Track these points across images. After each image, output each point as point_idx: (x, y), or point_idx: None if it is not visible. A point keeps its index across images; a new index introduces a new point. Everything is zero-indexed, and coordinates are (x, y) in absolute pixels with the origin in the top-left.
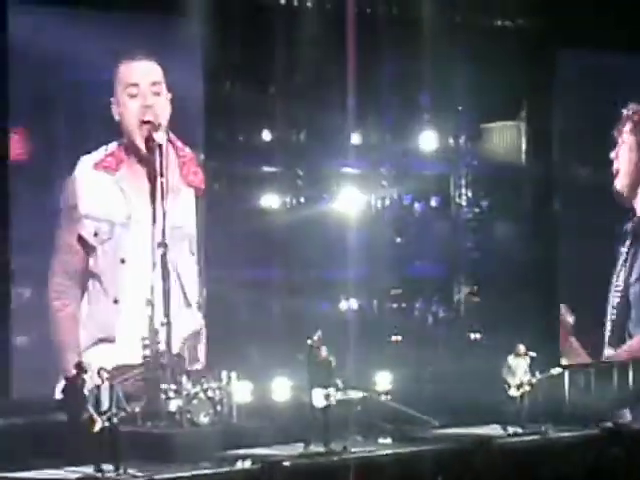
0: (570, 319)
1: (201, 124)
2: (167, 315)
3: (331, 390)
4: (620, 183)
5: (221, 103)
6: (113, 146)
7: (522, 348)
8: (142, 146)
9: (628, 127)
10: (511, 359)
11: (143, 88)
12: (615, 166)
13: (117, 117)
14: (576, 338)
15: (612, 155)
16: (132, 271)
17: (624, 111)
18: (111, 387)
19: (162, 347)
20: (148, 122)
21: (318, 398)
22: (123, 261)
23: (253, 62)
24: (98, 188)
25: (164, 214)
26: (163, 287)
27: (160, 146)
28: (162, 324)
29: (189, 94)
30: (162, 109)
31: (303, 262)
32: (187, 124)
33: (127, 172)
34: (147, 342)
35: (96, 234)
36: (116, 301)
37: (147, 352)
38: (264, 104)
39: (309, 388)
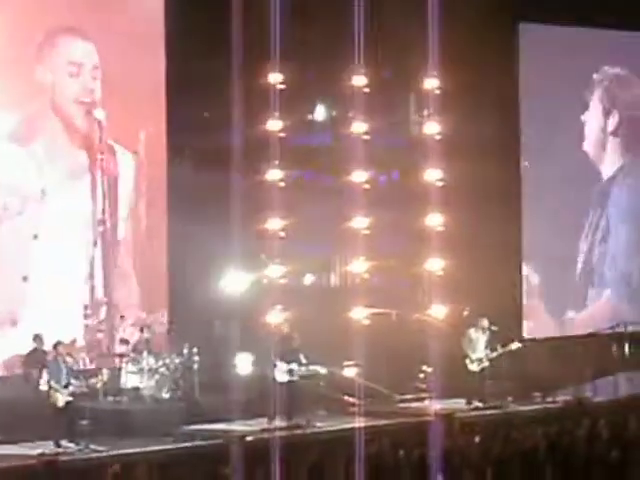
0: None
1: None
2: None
3: (294, 365)
4: (587, 146)
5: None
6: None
7: (485, 322)
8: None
9: (598, 92)
10: (472, 332)
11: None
12: (585, 130)
13: None
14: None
15: (582, 118)
16: (45, 248)
17: (595, 75)
18: (67, 361)
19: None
20: None
21: (281, 373)
22: (36, 237)
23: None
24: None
25: (104, 193)
26: (103, 263)
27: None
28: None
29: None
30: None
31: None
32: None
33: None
34: (89, 312)
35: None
36: (25, 278)
37: (88, 322)
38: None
39: (272, 363)
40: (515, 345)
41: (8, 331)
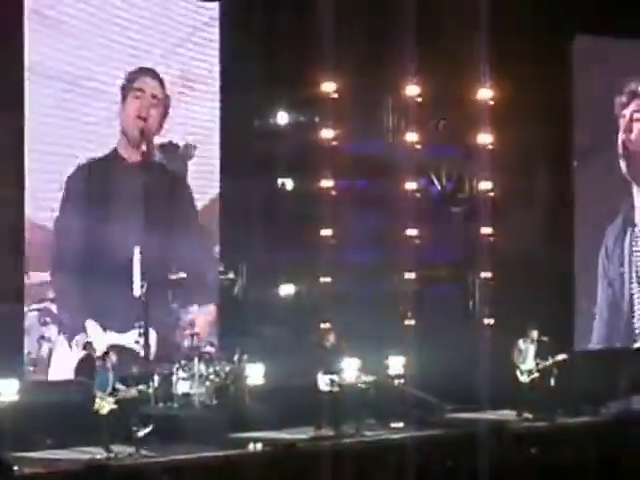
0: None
1: None
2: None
3: (335, 375)
4: (625, 166)
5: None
6: None
7: (534, 333)
8: None
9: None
10: (521, 343)
11: None
12: (622, 149)
13: None
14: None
15: (621, 137)
16: None
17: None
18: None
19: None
20: None
21: (323, 382)
22: None
23: None
24: None
25: None
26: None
27: None
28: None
29: None
30: None
31: (312, 245)
32: None
33: None
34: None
35: None
36: None
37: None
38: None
39: (316, 372)
40: (562, 356)
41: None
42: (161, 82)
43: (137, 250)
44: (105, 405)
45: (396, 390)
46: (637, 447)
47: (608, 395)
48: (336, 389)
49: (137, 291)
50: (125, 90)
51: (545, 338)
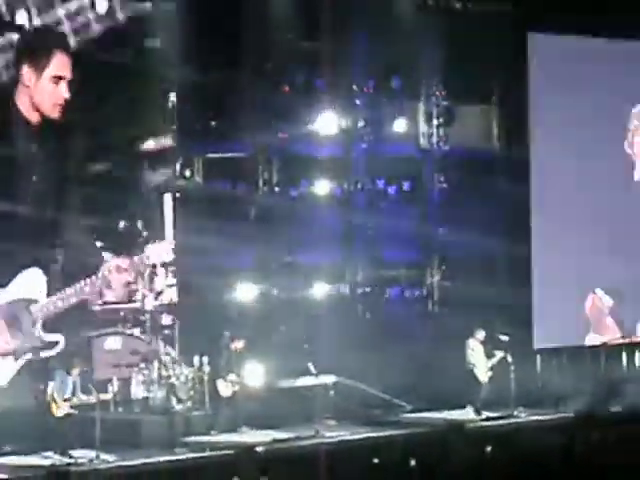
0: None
1: None
2: None
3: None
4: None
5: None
6: None
7: (481, 333)
8: None
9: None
10: (472, 342)
11: None
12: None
13: None
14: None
15: (626, 146)
16: None
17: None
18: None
19: None
20: None
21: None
22: None
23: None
24: None
25: None
26: None
27: None
28: None
29: None
30: None
31: (277, 246)
32: None
33: None
34: None
35: None
36: None
37: None
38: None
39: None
40: (500, 354)
41: None
42: None
43: None
44: (60, 409)
45: (356, 390)
46: (599, 445)
47: (570, 392)
48: (304, 387)
49: None
50: None
51: (502, 336)
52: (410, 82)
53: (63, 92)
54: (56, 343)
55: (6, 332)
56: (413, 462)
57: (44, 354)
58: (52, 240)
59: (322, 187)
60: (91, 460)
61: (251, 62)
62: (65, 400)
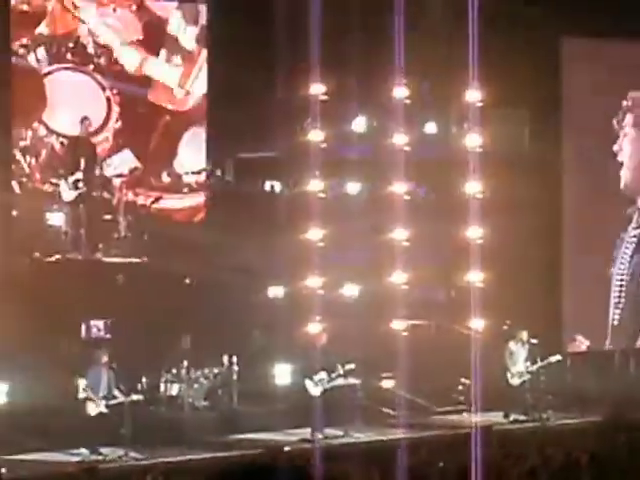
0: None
1: None
2: None
3: (331, 376)
4: (624, 176)
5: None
6: None
7: (524, 335)
8: None
9: (629, 119)
10: (512, 345)
11: None
12: (619, 158)
13: None
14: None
15: (615, 148)
16: None
17: (624, 102)
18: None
19: None
20: None
21: (317, 384)
22: None
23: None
24: None
25: None
26: None
27: None
28: None
29: None
30: None
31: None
32: None
33: None
34: None
35: None
36: None
37: None
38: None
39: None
40: (555, 358)
41: None
42: None
43: None
44: (95, 407)
45: (385, 392)
46: (627, 449)
47: (598, 397)
48: (332, 389)
49: None
50: None
51: (535, 340)
52: (443, 85)
53: None
54: None
55: None
56: (440, 464)
57: None
58: None
59: None
60: (120, 457)
61: (284, 64)
62: (102, 398)
